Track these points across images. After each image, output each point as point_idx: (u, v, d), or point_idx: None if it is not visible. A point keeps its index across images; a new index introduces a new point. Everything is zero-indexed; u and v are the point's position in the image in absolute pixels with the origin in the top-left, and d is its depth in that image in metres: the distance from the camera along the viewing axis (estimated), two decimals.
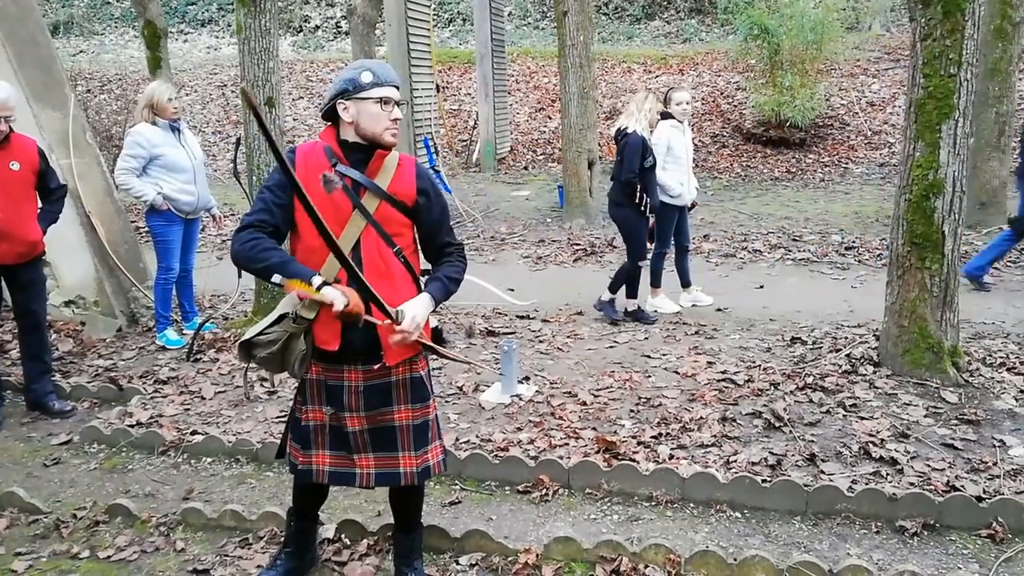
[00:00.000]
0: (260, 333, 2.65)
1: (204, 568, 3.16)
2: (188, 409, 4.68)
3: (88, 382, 5.08)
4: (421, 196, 2.69)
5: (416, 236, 2.77)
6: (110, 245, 6.10)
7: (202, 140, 15.61)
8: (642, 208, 5.96)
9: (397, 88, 2.64)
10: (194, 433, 4.31)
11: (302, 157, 2.61)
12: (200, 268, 6.19)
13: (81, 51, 21.68)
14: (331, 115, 2.65)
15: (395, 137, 2.64)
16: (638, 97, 6.10)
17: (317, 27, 22.40)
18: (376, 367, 2.66)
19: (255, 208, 2.59)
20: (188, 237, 5.85)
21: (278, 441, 3.96)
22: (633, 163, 5.84)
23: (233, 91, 17.03)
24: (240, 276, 5.44)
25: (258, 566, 3.14)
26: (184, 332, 5.94)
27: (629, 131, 5.92)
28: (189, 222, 5.80)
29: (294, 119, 14.90)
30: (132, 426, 4.42)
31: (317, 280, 2.45)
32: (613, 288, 6.28)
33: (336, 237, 2.48)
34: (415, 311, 2.58)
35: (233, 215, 10.54)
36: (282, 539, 3.19)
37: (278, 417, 4.48)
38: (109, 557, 3.26)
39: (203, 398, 4.84)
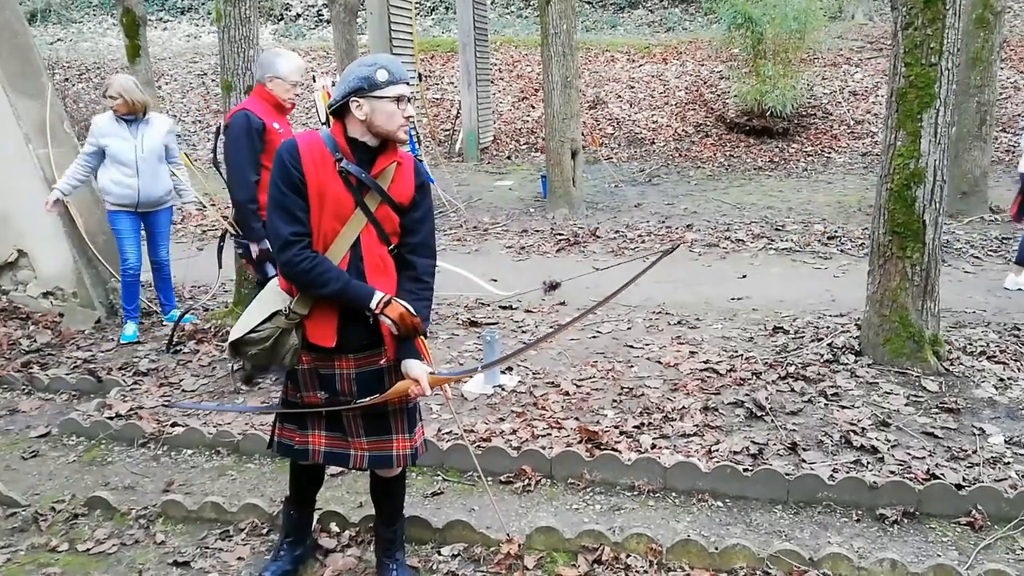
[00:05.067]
0: (252, 331, 2.64)
1: (184, 560, 3.14)
2: (168, 401, 4.64)
3: (67, 374, 5.04)
4: (417, 193, 2.70)
5: None
6: (88, 235, 6.03)
7: (182, 129, 15.46)
8: None
9: (408, 84, 2.63)
10: (174, 425, 4.28)
11: (306, 148, 2.55)
12: (179, 259, 6.14)
13: (59, 39, 21.42)
14: (339, 111, 2.60)
15: (406, 134, 2.65)
16: None
17: (298, 15, 22.24)
18: (379, 359, 2.68)
19: (281, 219, 2.52)
20: (153, 230, 5.80)
21: (259, 433, 3.99)
22: None
23: (213, 80, 16.88)
24: (220, 267, 5.40)
25: (239, 558, 3.12)
26: (164, 323, 5.90)
27: None
28: (149, 215, 5.73)
29: None
30: (111, 418, 4.38)
31: (376, 301, 2.54)
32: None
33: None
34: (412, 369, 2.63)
35: (214, 205, 10.43)
36: (264, 531, 3.18)
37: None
38: (88, 550, 3.24)
39: (183, 390, 4.80)
